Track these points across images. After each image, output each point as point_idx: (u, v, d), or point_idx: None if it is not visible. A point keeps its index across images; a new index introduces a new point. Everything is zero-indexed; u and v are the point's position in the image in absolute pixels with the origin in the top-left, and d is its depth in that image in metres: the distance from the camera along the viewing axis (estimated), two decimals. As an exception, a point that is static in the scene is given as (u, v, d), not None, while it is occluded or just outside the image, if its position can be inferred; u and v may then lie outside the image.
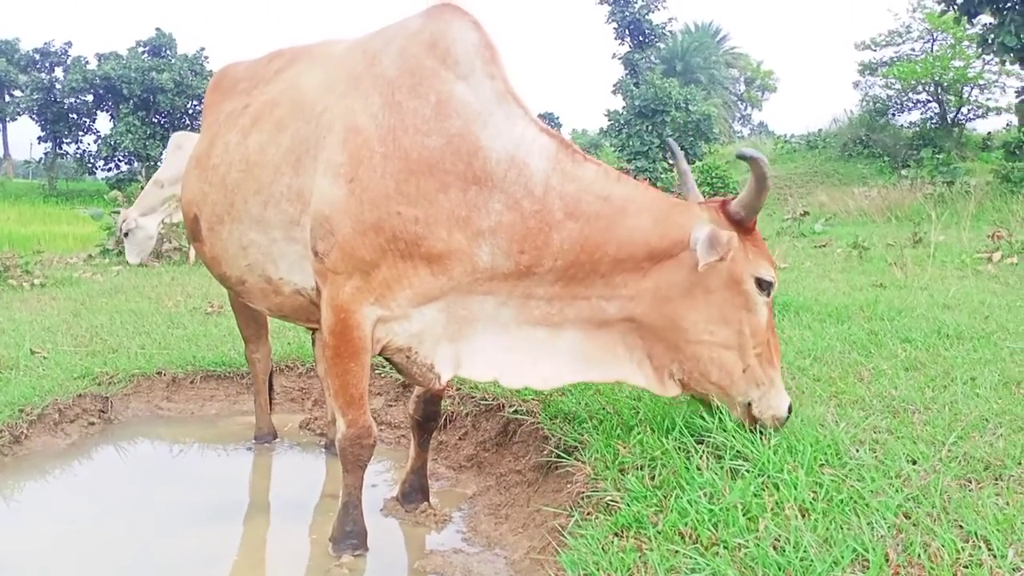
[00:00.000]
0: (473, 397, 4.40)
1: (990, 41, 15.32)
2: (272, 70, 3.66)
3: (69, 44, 36.19)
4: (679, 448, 2.86)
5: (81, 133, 36.72)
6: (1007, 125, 24.47)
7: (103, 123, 37.00)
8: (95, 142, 36.41)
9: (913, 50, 27.35)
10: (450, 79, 2.93)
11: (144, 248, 11.35)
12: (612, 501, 2.71)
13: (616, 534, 2.49)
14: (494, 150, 2.86)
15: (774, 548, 2.21)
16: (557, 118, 34.67)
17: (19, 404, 4.40)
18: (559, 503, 3.07)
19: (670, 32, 29.78)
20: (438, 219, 2.86)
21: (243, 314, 4.42)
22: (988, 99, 25.67)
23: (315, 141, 3.06)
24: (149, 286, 8.68)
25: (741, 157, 2.78)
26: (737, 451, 2.76)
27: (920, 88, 26.41)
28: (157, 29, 35.75)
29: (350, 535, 3.19)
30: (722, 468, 2.68)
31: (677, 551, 2.28)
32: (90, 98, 35.73)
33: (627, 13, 26.45)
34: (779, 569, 2.11)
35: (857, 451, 2.78)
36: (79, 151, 36.91)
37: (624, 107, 26.22)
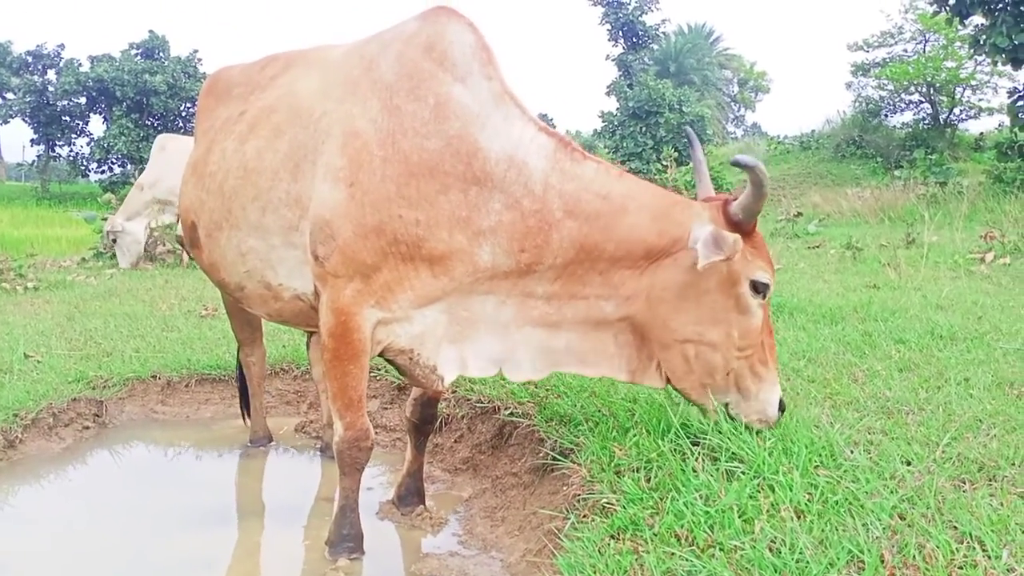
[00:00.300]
0: (469, 400, 4.39)
1: (982, 42, 15.36)
2: (267, 76, 3.66)
3: (62, 46, 36.08)
4: (675, 450, 2.87)
5: (74, 136, 36.63)
6: (999, 126, 24.53)
7: (96, 125, 36.92)
8: (88, 145, 36.31)
9: (905, 51, 27.45)
10: (448, 81, 2.94)
11: (134, 252, 11.35)
12: (608, 503, 2.72)
13: (612, 536, 2.49)
14: (493, 150, 2.88)
15: (770, 550, 2.21)
16: (551, 119, 34.66)
17: (13, 408, 4.38)
18: (555, 506, 3.07)
19: (663, 33, 29.79)
20: (439, 220, 2.87)
21: (238, 318, 4.41)
22: (980, 100, 25.80)
23: (313, 146, 3.06)
24: (143, 289, 8.66)
25: (736, 164, 2.77)
26: (732, 453, 2.76)
27: (912, 89, 26.49)
28: (150, 31, 35.69)
29: (346, 538, 3.19)
30: (718, 470, 2.69)
31: (673, 553, 2.28)
32: (83, 100, 35.64)
33: (620, 15, 26.47)
34: (775, 571, 2.12)
35: (852, 452, 2.78)
36: (72, 154, 36.81)
37: (618, 108, 26.24)
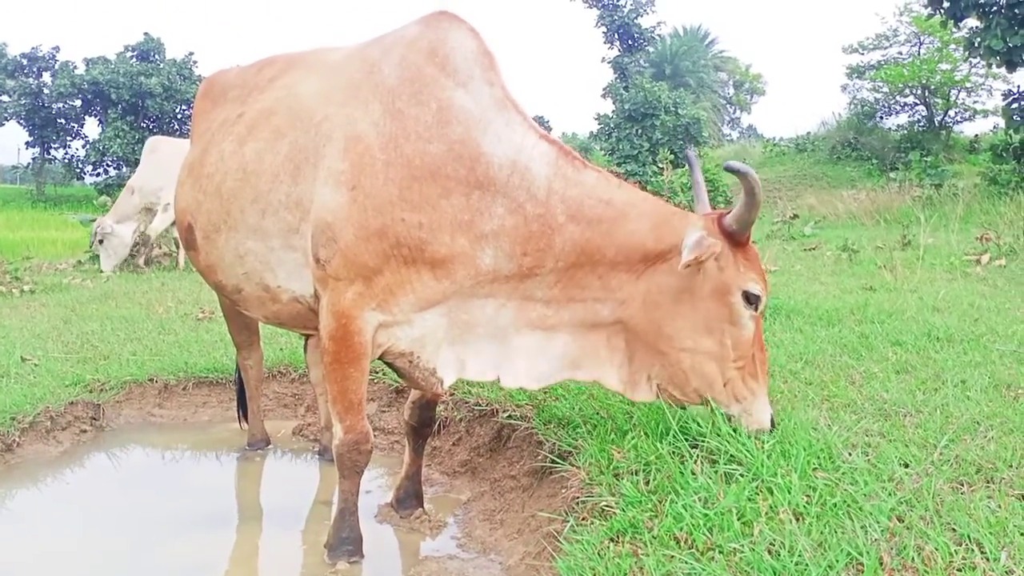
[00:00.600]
0: (467, 403, 4.40)
1: (976, 44, 15.39)
2: (265, 78, 3.66)
3: (57, 49, 35.93)
4: (673, 453, 2.87)
5: (69, 138, 36.49)
6: (994, 128, 24.59)
7: (91, 128, 36.90)
8: (83, 147, 36.19)
9: (900, 53, 27.50)
10: (450, 86, 2.96)
11: (119, 255, 11.26)
12: (607, 506, 2.72)
13: (612, 539, 2.50)
14: (496, 156, 2.90)
15: (769, 552, 2.22)
16: (547, 121, 34.71)
17: (10, 412, 4.38)
18: (554, 508, 3.07)
19: (659, 36, 29.83)
20: (441, 224, 2.88)
21: (235, 320, 4.41)
22: (975, 102, 25.83)
23: (314, 149, 3.07)
24: (139, 292, 8.64)
25: (729, 169, 2.81)
26: (731, 455, 2.77)
27: (907, 91, 26.53)
28: (145, 34, 35.58)
29: (346, 542, 3.19)
30: (716, 472, 2.70)
31: (673, 556, 2.29)
32: (78, 103, 35.53)
33: (616, 17, 26.48)
34: (774, 573, 2.13)
35: (850, 455, 2.79)
36: (67, 156, 36.67)
37: (614, 111, 26.24)
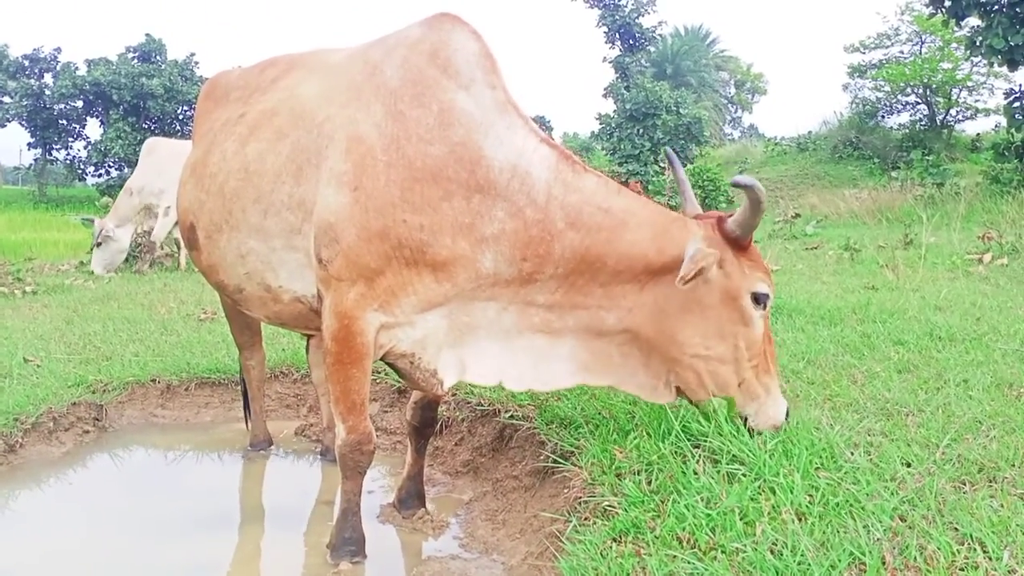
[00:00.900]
0: (469, 403, 4.40)
1: (978, 43, 15.38)
2: (268, 79, 3.66)
3: (58, 50, 35.92)
4: (676, 453, 2.87)
5: (71, 139, 36.50)
6: (996, 126, 24.57)
7: (93, 129, 36.78)
8: (85, 148, 36.20)
9: (902, 52, 27.48)
10: (451, 88, 2.96)
11: (115, 260, 11.16)
12: (609, 506, 2.72)
13: (614, 539, 2.50)
14: (497, 159, 2.90)
15: (771, 552, 2.22)
16: (548, 121, 34.64)
17: (13, 413, 4.38)
18: (556, 508, 3.07)
19: (660, 36, 29.79)
20: (443, 226, 2.89)
21: (237, 321, 4.41)
22: (977, 101, 25.82)
23: (316, 150, 3.07)
24: (141, 293, 8.65)
25: (736, 185, 2.84)
26: (733, 455, 2.77)
27: (909, 90, 26.52)
28: (147, 35, 35.58)
29: (348, 542, 3.19)
30: (719, 472, 2.70)
31: (675, 556, 2.29)
32: (80, 104, 35.54)
33: (617, 17, 26.46)
34: (777, 573, 2.13)
35: (852, 454, 2.79)
36: (69, 157, 36.69)
37: (615, 110, 26.23)
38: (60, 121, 35.87)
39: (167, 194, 11.19)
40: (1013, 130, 16.65)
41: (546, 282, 3.00)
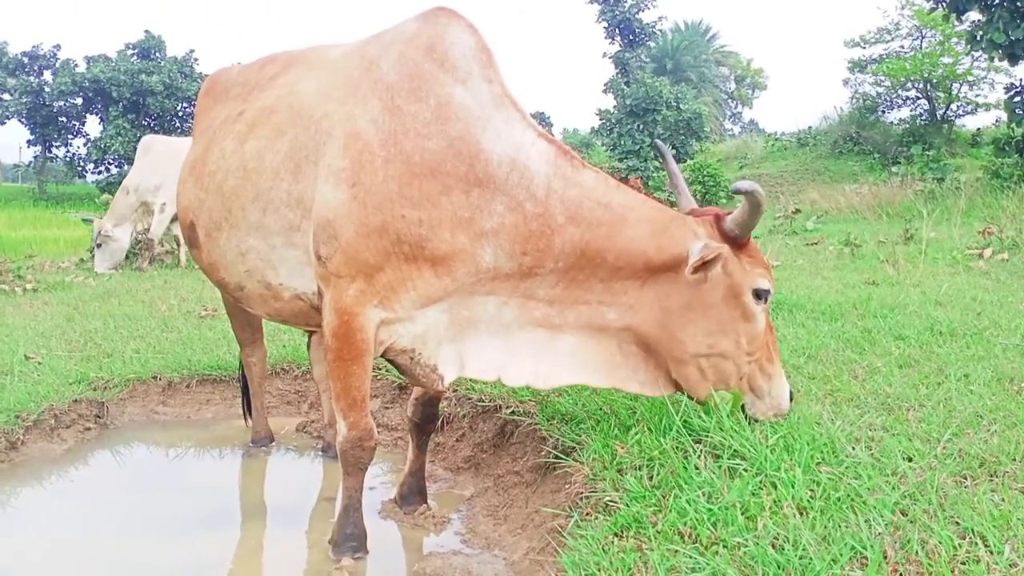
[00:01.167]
0: (470, 399, 4.40)
1: (979, 38, 15.37)
2: (266, 76, 3.66)
3: (58, 47, 35.94)
4: (677, 448, 2.87)
5: (70, 136, 36.54)
6: (996, 121, 24.56)
7: (92, 126, 36.84)
8: (85, 145, 36.24)
9: (902, 47, 27.44)
10: (448, 83, 2.96)
11: (115, 259, 11.14)
12: (611, 501, 2.72)
13: (616, 534, 2.50)
14: (495, 153, 2.89)
15: (773, 547, 2.22)
16: (548, 117, 34.65)
17: (15, 410, 4.39)
18: (558, 504, 3.07)
19: (660, 31, 29.79)
20: (442, 221, 2.88)
21: (238, 318, 4.41)
22: (977, 95, 25.79)
23: (314, 147, 3.07)
24: (142, 290, 8.65)
25: (736, 191, 2.86)
26: (735, 450, 2.77)
27: (910, 85, 26.49)
28: (146, 31, 35.62)
29: (350, 538, 3.19)
30: (720, 467, 2.70)
31: (677, 551, 2.29)
32: (79, 101, 35.56)
33: (617, 12, 26.46)
34: (779, 568, 2.13)
35: (853, 449, 2.79)
36: (69, 154, 36.73)
37: (615, 106, 26.25)
38: (60, 118, 35.89)
39: (163, 191, 11.18)
40: (1014, 125, 16.65)
41: (546, 276, 3.00)
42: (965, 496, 2.42)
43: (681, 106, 25.29)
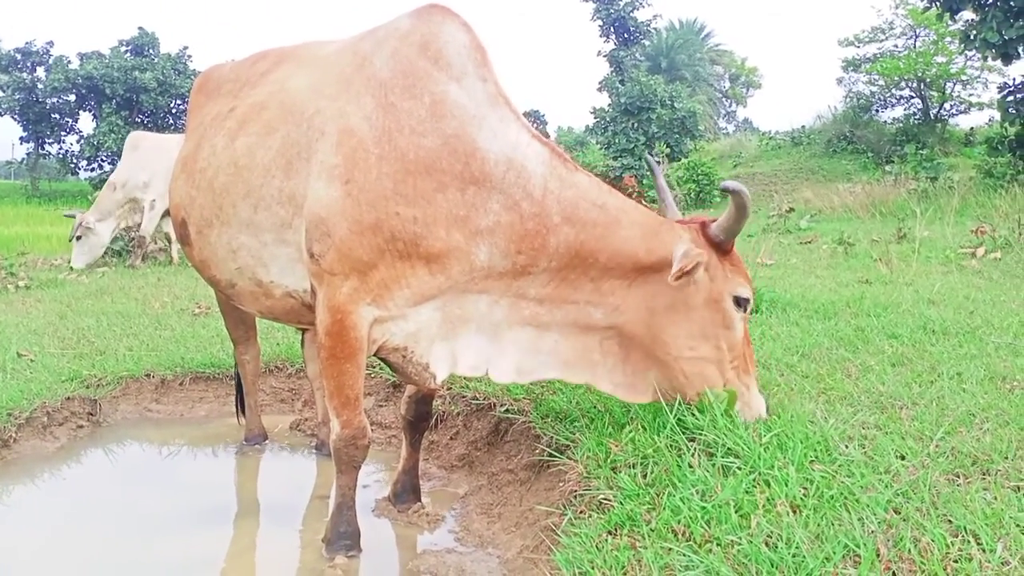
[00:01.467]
0: (464, 397, 4.40)
1: (972, 37, 15.40)
2: (258, 72, 3.64)
3: (51, 44, 35.77)
4: (671, 446, 2.88)
5: (63, 133, 36.40)
6: (989, 120, 24.60)
7: (86, 123, 36.71)
8: (78, 142, 36.10)
9: (896, 46, 27.45)
10: (443, 80, 2.95)
11: (94, 254, 11.04)
12: (605, 499, 2.72)
13: (610, 532, 2.50)
14: (492, 151, 2.90)
15: (766, 545, 2.22)
16: (543, 116, 34.63)
17: (7, 407, 4.37)
18: (552, 502, 3.08)
19: (655, 29, 29.82)
20: (436, 218, 2.88)
21: (231, 315, 4.40)
22: (970, 95, 25.80)
23: (307, 144, 3.06)
24: (135, 287, 8.63)
25: (724, 190, 2.90)
26: (728, 448, 2.78)
27: (903, 84, 26.51)
28: (140, 28, 35.50)
29: (343, 536, 3.19)
30: (714, 465, 2.70)
31: (671, 549, 2.29)
32: (72, 98, 35.42)
33: (612, 10, 26.47)
34: (772, 565, 2.13)
35: (846, 447, 2.80)
36: (62, 151, 36.60)
37: (610, 104, 26.25)
38: (53, 115, 35.75)
39: (152, 187, 11.13)
40: (1007, 124, 16.70)
41: (539, 275, 3.01)
42: (958, 494, 2.43)
43: (675, 105, 25.30)
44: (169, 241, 11.75)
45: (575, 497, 2.91)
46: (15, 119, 35.44)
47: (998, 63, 16.89)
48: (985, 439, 2.87)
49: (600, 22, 26.90)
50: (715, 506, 2.44)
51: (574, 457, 3.12)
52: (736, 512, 2.40)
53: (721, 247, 3.01)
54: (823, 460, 2.69)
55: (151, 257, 11.69)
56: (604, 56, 27.29)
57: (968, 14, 15.81)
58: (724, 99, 48.54)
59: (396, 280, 2.95)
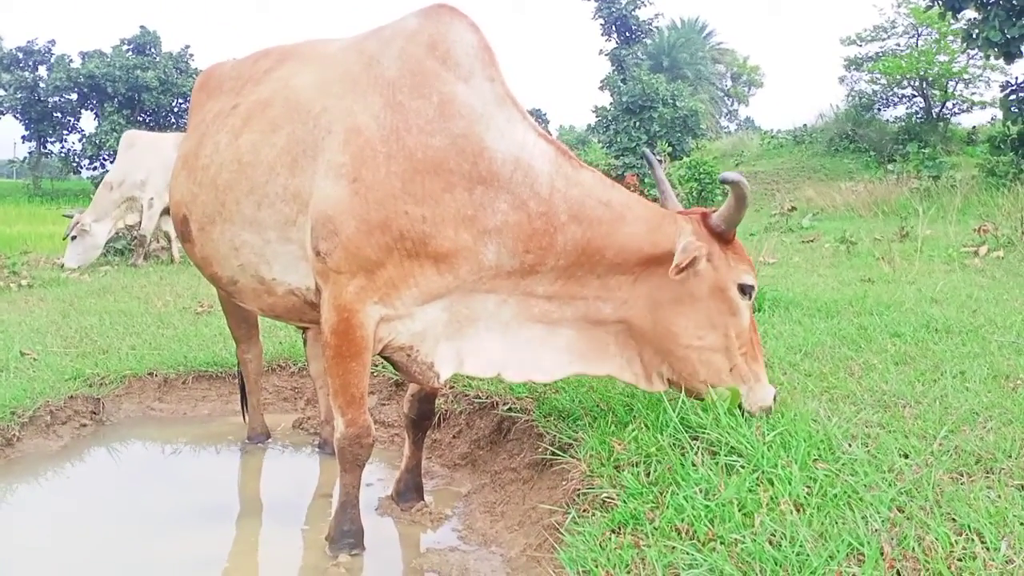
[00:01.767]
0: (467, 395, 4.40)
1: (974, 36, 15.37)
2: (261, 70, 3.64)
3: (52, 42, 35.75)
4: (674, 444, 2.88)
5: (65, 132, 36.37)
6: (992, 119, 24.58)
7: (88, 122, 36.66)
8: (80, 141, 36.08)
9: (898, 45, 27.42)
10: (451, 80, 2.96)
11: (89, 255, 10.91)
12: (608, 498, 2.73)
13: (613, 531, 2.50)
14: (499, 151, 2.91)
15: (770, 543, 2.22)
16: (545, 114, 34.63)
17: (10, 406, 4.38)
18: (555, 500, 3.08)
19: (656, 28, 29.77)
20: (445, 218, 2.89)
21: (234, 314, 4.41)
22: (973, 93, 25.79)
23: (312, 142, 3.06)
24: (137, 286, 8.64)
25: (723, 181, 2.93)
26: (731, 447, 2.78)
27: (905, 83, 26.48)
28: (141, 27, 35.46)
29: (347, 534, 3.19)
30: (717, 464, 2.70)
31: (675, 547, 2.29)
32: (74, 97, 35.40)
33: (613, 9, 26.44)
34: (776, 564, 2.13)
35: (850, 446, 2.80)
36: (64, 150, 36.58)
37: (612, 103, 26.21)
38: (55, 114, 35.73)
39: (150, 185, 11.10)
40: (1009, 123, 16.66)
41: (546, 273, 3.02)
42: (961, 493, 2.43)
43: (677, 103, 25.26)
44: (169, 240, 11.74)
45: (578, 496, 2.91)
46: (17, 118, 35.42)
47: (1000, 62, 16.88)
48: (989, 438, 2.87)
49: (601, 21, 26.88)
50: (719, 505, 2.44)
51: (577, 456, 3.13)
52: (740, 511, 2.40)
53: (723, 237, 3.04)
54: (826, 458, 2.69)
55: (153, 256, 11.68)
56: (606, 55, 27.26)
57: (970, 13, 15.78)
58: (726, 98, 48.50)
59: (404, 279, 2.96)
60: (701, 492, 2.53)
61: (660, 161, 18.64)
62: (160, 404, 5.15)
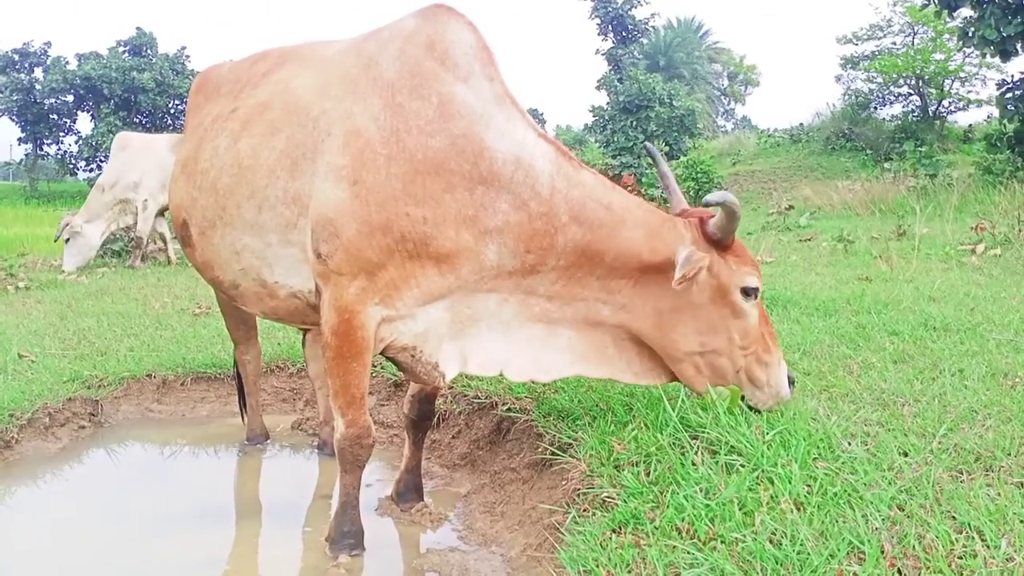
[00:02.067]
0: (466, 395, 4.40)
1: (971, 34, 15.39)
2: (258, 72, 3.63)
3: (48, 44, 35.73)
4: (674, 444, 2.88)
5: (62, 134, 36.37)
6: (988, 117, 24.61)
7: (84, 123, 36.66)
8: (76, 143, 36.07)
9: (894, 44, 27.45)
10: (450, 80, 2.96)
11: (84, 256, 10.87)
12: (608, 498, 2.73)
13: (614, 531, 2.50)
14: (499, 151, 2.90)
15: (771, 542, 2.23)
16: (542, 114, 34.68)
17: (9, 408, 4.37)
18: (555, 500, 3.08)
19: (653, 27, 29.81)
20: (446, 218, 2.89)
21: (232, 315, 4.40)
22: (969, 92, 25.82)
23: (312, 145, 3.06)
24: (135, 288, 8.63)
25: (708, 204, 2.91)
26: (731, 446, 2.78)
27: (902, 81, 26.51)
28: (138, 28, 35.47)
29: (347, 535, 3.19)
30: (717, 463, 2.70)
31: (675, 546, 2.29)
32: (70, 98, 35.39)
33: (610, 8, 26.46)
34: (777, 563, 2.14)
35: (849, 444, 2.80)
36: (60, 152, 36.57)
37: (608, 103, 26.22)
38: (51, 116, 35.71)
39: (143, 187, 11.06)
40: (1005, 121, 16.69)
41: (547, 273, 3.03)
42: (961, 491, 2.44)
43: (674, 103, 25.28)
44: (165, 241, 11.72)
45: (578, 495, 2.91)
46: (13, 120, 35.41)
47: (996, 60, 16.87)
48: (988, 435, 2.87)
49: (598, 20, 26.90)
50: (719, 504, 2.44)
51: (577, 455, 3.13)
52: (740, 510, 2.40)
53: (720, 243, 3.03)
54: (826, 457, 2.70)
55: (151, 257, 11.66)
56: (602, 54, 27.28)
57: (966, 11, 15.80)
58: (723, 97, 48.55)
59: (405, 280, 2.95)
60: (701, 491, 2.54)
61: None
62: (159, 406, 5.14)
